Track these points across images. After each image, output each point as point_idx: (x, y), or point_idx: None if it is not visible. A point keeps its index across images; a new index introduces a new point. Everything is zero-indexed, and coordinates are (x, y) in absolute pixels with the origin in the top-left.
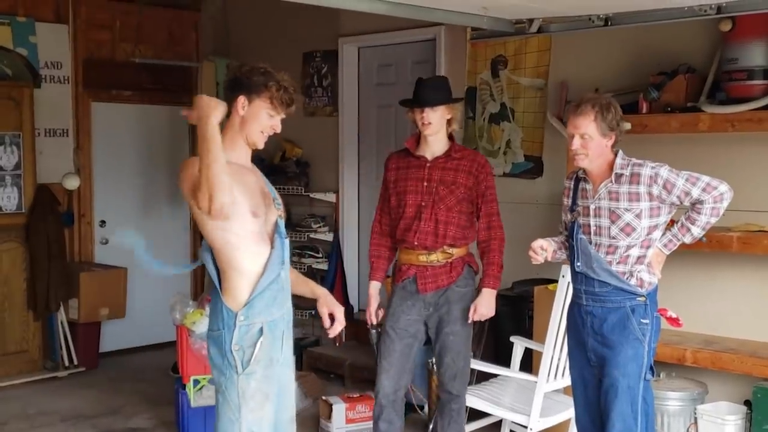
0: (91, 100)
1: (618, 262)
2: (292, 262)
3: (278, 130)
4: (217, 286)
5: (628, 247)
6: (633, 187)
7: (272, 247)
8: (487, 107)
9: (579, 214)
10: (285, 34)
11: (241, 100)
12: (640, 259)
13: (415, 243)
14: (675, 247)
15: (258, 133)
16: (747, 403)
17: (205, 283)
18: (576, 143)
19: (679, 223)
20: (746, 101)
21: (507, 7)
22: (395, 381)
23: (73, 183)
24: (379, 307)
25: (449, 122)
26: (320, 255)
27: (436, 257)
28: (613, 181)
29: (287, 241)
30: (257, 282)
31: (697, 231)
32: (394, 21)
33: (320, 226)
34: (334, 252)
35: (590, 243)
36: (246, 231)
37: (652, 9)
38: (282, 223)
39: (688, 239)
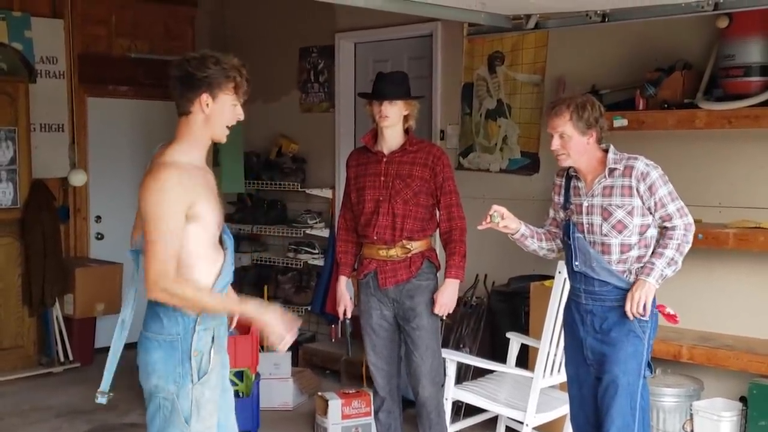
0: (86, 95)
1: (618, 262)
2: (289, 259)
3: (242, 117)
4: None
5: (622, 246)
6: (626, 180)
7: (224, 248)
8: (484, 103)
9: (572, 212)
10: (281, 30)
11: (204, 98)
12: (639, 259)
13: (375, 237)
14: (658, 276)
15: (224, 128)
16: (742, 399)
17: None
18: (555, 143)
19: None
20: (743, 98)
21: (504, 2)
22: (386, 373)
23: (79, 179)
24: (351, 301)
25: (406, 118)
26: (316, 251)
27: (395, 252)
28: (607, 176)
29: (231, 240)
30: (216, 279)
31: (671, 253)
32: (391, 16)
33: (316, 222)
34: (330, 248)
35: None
36: (204, 247)
37: (650, 5)
38: (228, 234)
39: (668, 269)
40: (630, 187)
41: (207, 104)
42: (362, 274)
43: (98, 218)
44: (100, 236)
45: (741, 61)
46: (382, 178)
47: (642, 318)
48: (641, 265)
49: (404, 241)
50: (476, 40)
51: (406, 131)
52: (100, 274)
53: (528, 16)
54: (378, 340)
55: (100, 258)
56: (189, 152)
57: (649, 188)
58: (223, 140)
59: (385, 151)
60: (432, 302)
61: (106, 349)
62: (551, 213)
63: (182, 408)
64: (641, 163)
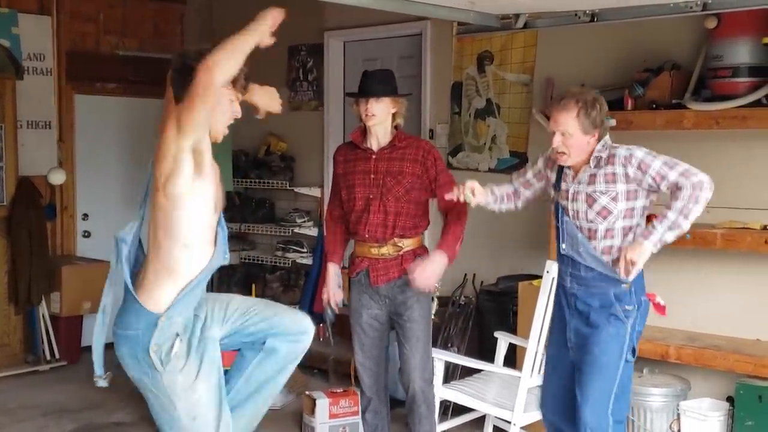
0: (74, 93)
1: (602, 252)
2: (277, 258)
3: (239, 115)
4: (129, 285)
5: (607, 231)
6: (609, 168)
7: (215, 245)
8: (473, 102)
9: (560, 196)
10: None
11: None
12: (622, 250)
13: (366, 235)
14: (656, 240)
15: (224, 123)
16: (729, 399)
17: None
18: (557, 140)
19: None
20: (731, 98)
21: (493, 2)
22: (374, 373)
23: (58, 178)
24: (340, 289)
25: (394, 116)
26: (305, 250)
27: (387, 250)
28: (592, 166)
29: (226, 231)
30: (188, 284)
31: (674, 216)
32: (380, 15)
33: (305, 221)
34: (319, 247)
35: None
36: (201, 226)
37: (639, 5)
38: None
39: (669, 233)
40: (614, 174)
41: None
42: (354, 273)
43: (85, 216)
44: (87, 234)
45: (729, 61)
46: (372, 176)
47: (627, 307)
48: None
49: (396, 239)
50: (465, 40)
51: (396, 129)
52: (86, 272)
53: (517, 16)
54: (367, 340)
55: (87, 256)
56: None
57: (639, 167)
58: (219, 138)
59: (374, 148)
60: (422, 299)
61: None
62: (528, 175)
63: (162, 395)
64: (622, 149)
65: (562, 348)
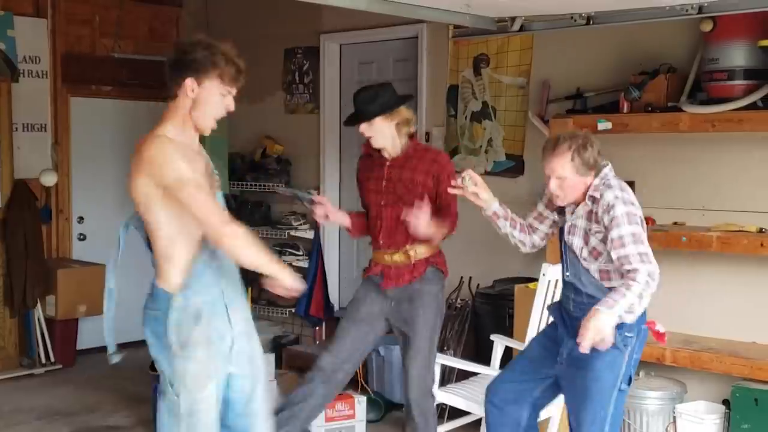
0: (69, 95)
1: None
2: None
3: (232, 109)
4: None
5: (600, 272)
6: (596, 206)
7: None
8: (469, 105)
9: (563, 223)
10: (266, 30)
11: (189, 82)
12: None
13: (381, 241)
14: (611, 305)
15: (211, 117)
16: (725, 402)
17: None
18: (553, 186)
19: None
20: (727, 101)
21: (489, 4)
22: (338, 363)
23: (50, 179)
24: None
25: (399, 126)
26: (301, 253)
27: (399, 257)
28: (589, 203)
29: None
30: (192, 265)
31: (631, 298)
32: (376, 18)
33: (301, 224)
34: (315, 250)
35: None
36: (189, 223)
37: (634, 8)
38: (220, 195)
39: (623, 306)
40: (597, 213)
41: (192, 89)
42: (366, 275)
43: (81, 219)
44: (82, 237)
45: (725, 64)
46: (385, 183)
47: (627, 335)
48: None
49: (407, 246)
50: (461, 42)
51: (411, 136)
52: (82, 275)
53: (513, 19)
54: (351, 332)
55: (83, 259)
56: (179, 132)
57: (611, 221)
58: (207, 132)
59: (387, 156)
60: (430, 310)
61: (89, 351)
62: (539, 207)
63: (170, 377)
64: (610, 194)
65: (548, 356)
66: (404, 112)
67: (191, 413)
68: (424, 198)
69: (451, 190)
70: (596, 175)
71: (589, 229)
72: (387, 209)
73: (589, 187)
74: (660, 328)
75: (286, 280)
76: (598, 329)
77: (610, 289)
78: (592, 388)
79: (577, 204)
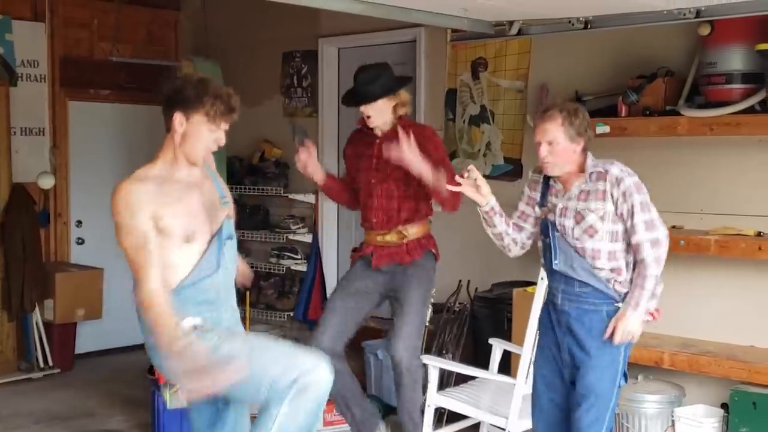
0: (68, 99)
1: (592, 269)
2: (271, 264)
3: (222, 143)
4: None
5: (593, 251)
6: (600, 184)
7: (205, 252)
8: (467, 109)
9: (549, 210)
10: (264, 34)
11: (178, 117)
12: (614, 271)
13: (374, 220)
14: (637, 305)
15: (200, 151)
16: (724, 406)
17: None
18: (544, 151)
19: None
20: (724, 105)
21: (487, 8)
22: (332, 339)
23: (47, 182)
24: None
25: (396, 108)
26: (299, 256)
27: (391, 237)
28: (588, 181)
29: (231, 243)
30: (174, 289)
31: (652, 285)
32: (374, 22)
33: (299, 228)
34: (313, 253)
35: None
36: (170, 257)
37: (632, 12)
38: (228, 224)
39: (651, 301)
40: (604, 191)
41: (181, 124)
42: (358, 255)
43: (79, 223)
44: (80, 241)
45: (723, 68)
46: (374, 160)
47: (616, 301)
48: (619, 276)
49: (400, 227)
50: (459, 46)
51: (400, 117)
52: (80, 279)
53: (511, 23)
54: (339, 304)
55: (81, 263)
56: (168, 167)
57: (623, 194)
58: (200, 164)
59: (378, 133)
60: (422, 277)
61: (86, 355)
62: (521, 206)
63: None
64: (616, 168)
65: (554, 367)
66: (403, 94)
67: (253, 347)
68: (409, 172)
69: (450, 187)
70: (584, 149)
71: (584, 209)
72: (378, 186)
73: (583, 165)
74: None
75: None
76: (628, 331)
77: (599, 269)
78: (596, 388)
79: (566, 185)
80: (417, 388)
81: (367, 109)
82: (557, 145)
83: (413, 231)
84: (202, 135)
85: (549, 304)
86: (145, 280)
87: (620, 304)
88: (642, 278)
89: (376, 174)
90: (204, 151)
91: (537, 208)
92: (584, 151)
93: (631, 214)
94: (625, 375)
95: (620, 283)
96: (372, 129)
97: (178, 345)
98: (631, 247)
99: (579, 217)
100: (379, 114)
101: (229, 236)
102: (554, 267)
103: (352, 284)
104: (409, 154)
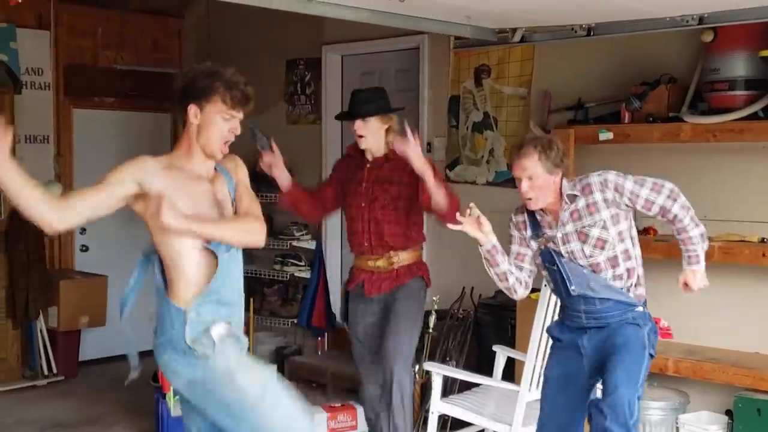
0: (72, 107)
1: (613, 278)
2: (275, 271)
3: (237, 132)
4: (163, 290)
5: (610, 260)
6: (589, 198)
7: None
8: (470, 116)
9: (547, 240)
10: (268, 42)
11: (192, 109)
12: (630, 272)
13: (365, 245)
14: (697, 259)
15: (217, 142)
16: (728, 412)
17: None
18: (525, 186)
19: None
20: (728, 112)
21: (490, 16)
22: (374, 385)
23: (55, 191)
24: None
25: (388, 131)
26: (302, 263)
27: (382, 263)
28: (569, 203)
29: (236, 252)
30: (203, 287)
31: (698, 234)
32: (378, 29)
33: (303, 234)
34: (317, 260)
35: None
36: (184, 243)
37: (635, 19)
38: None
39: (701, 248)
40: (596, 203)
41: (196, 115)
42: (352, 285)
43: (83, 230)
44: (84, 248)
45: (726, 75)
46: (364, 185)
47: (636, 306)
48: (633, 279)
49: (390, 253)
50: (462, 53)
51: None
52: (84, 286)
53: (514, 30)
54: (365, 350)
55: (85, 270)
56: (180, 158)
57: (615, 189)
58: (218, 156)
59: (369, 157)
60: (415, 299)
61: (91, 362)
62: (514, 248)
63: (221, 377)
64: (594, 177)
65: (570, 366)
66: (395, 119)
67: (264, 384)
68: (398, 197)
69: (451, 226)
70: (563, 177)
71: (583, 226)
72: (364, 211)
73: (560, 190)
74: (664, 323)
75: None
76: (701, 282)
77: (616, 279)
78: (625, 347)
79: (554, 214)
80: (406, 405)
81: (360, 127)
82: (537, 179)
83: (404, 257)
84: (216, 124)
85: (568, 326)
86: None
87: (641, 308)
88: (684, 233)
89: (363, 198)
90: (220, 141)
91: (533, 243)
92: (561, 180)
93: (636, 196)
94: (654, 349)
95: (636, 285)
96: (363, 154)
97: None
98: (636, 241)
99: (583, 236)
100: (372, 134)
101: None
102: (572, 293)
103: (359, 328)
104: (414, 148)
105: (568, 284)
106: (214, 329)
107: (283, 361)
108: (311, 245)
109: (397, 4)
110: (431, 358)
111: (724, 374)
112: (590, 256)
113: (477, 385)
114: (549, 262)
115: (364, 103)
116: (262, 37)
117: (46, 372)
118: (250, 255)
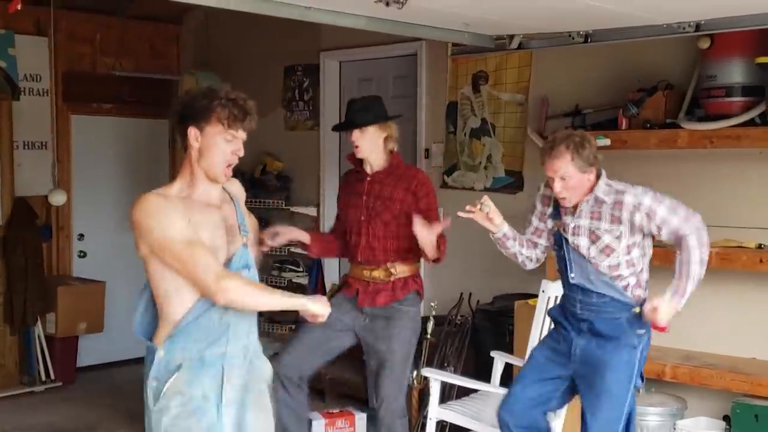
0: (70, 113)
1: (613, 279)
2: (273, 277)
3: (241, 154)
4: (138, 332)
5: (610, 267)
6: (616, 212)
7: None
8: (468, 122)
9: (561, 224)
10: (266, 48)
11: (192, 132)
12: (634, 275)
13: (359, 258)
14: (683, 294)
15: (220, 164)
16: (726, 418)
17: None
18: (558, 187)
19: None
20: (724, 118)
21: (488, 23)
22: (299, 365)
23: (59, 199)
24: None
25: (386, 141)
26: (300, 269)
27: (379, 274)
28: (595, 202)
29: (249, 273)
30: (181, 317)
31: (696, 270)
32: (376, 36)
33: None
34: (315, 266)
35: None
36: (174, 280)
37: (632, 26)
38: (244, 251)
39: (692, 286)
40: (620, 218)
41: (196, 138)
42: (348, 295)
43: (81, 236)
44: (82, 254)
45: (723, 81)
46: (364, 198)
47: (639, 332)
48: (634, 280)
49: (388, 264)
50: (460, 60)
51: (391, 152)
52: (82, 292)
53: (511, 37)
54: (316, 332)
55: (83, 276)
56: (186, 187)
57: (647, 215)
58: (221, 179)
59: (369, 171)
60: (407, 329)
61: (89, 369)
62: (534, 222)
63: (153, 422)
64: (630, 197)
65: (555, 358)
66: (393, 127)
67: None
68: (400, 214)
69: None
70: (597, 174)
71: (598, 228)
72: (364, 225)
73: (593, 186)
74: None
75: (309, 309)
76: (667, 318)
77: (616, 279)
78: (612, 387)
79: (574, 205)
80: None
81: (357, 136)
82: (570, 179)
83: (401, 269)
84: (219, 146)
85: (566, 309)
86: (213, 274)
87: (638, 309)
88: (687, 265)
89: (364, 211)
90: (223, 164)
91: (550, 221)
92: (597, 176)
93: (665, 222)
94: (641, 376)
95: (639, 287)
96: (362, 165)
97: (285, 299)
98: (648, 250)
99: (594, 237)
100: (369, 144)
101: (246, 265)
102: (571, 280)
103: (330, 315)
104: (426, 235)
105: (568, 272)
106: (170, 380)
107: None
108: None
109: (396, 11)
110: (429, 363)
111: (721, 380)
112: (593, 257)
113: (475, 391)
114: (558, 245)
115: (360, 112)
116: (260, 43)
117: (43, 378)
118: None
